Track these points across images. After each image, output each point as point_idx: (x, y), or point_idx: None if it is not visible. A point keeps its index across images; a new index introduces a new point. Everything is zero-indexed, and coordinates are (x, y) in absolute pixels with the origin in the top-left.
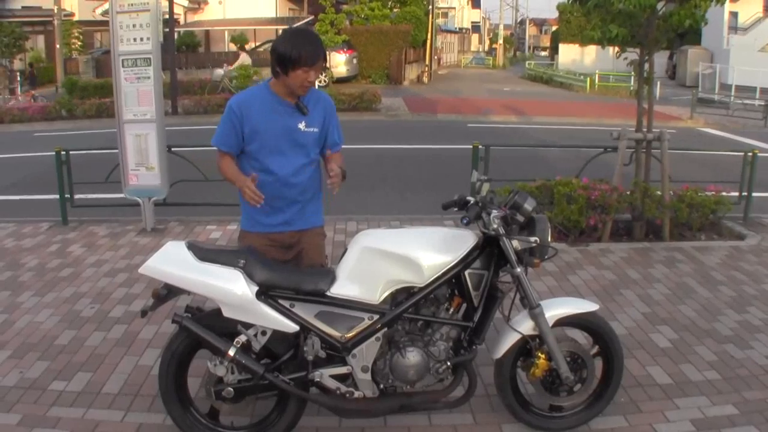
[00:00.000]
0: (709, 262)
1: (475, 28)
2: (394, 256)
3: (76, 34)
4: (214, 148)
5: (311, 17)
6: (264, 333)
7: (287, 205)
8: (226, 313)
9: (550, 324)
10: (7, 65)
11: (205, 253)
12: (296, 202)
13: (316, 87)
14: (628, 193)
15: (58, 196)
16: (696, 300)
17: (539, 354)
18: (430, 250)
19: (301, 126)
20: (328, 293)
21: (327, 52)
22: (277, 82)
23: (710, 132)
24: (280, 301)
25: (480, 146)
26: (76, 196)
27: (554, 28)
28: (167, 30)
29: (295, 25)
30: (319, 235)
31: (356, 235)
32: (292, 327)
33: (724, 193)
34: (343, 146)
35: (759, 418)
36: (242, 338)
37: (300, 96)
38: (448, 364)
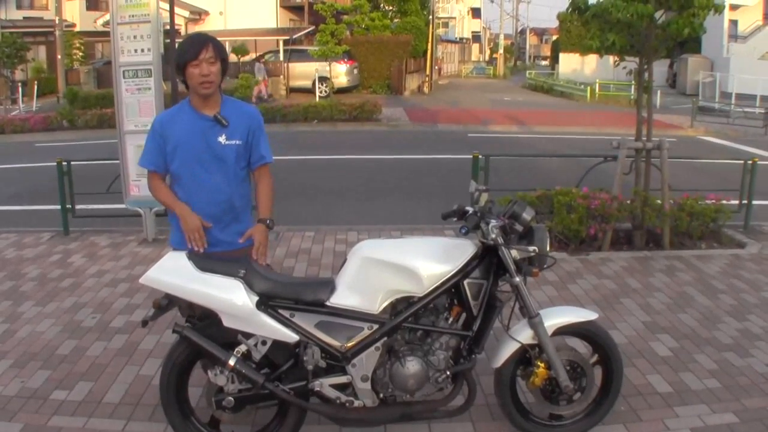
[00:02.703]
0: (709, 270)
1: (476, 37)
2: (394, 265)
3: (78, 45)
4: None
5: (312, 27)
6: (264, 343)
7: (223, 224)
8: (227, 323)
9: (550, 333)
10: (8, 76)
11: (205, 263)
12: (220, 221)
13: (323, 95)
14: (628, 202)
15: (59, 207)
16: (696, 308)
17: (539, 363)
18: (429, 260)
19: (221, 139)
20: (327, 303)
21: (221, 45)
22: (191, 94)
23: (711, 140)
24: (280, 311)
25: (480, 156)
26: (78, 207)
27: (555, 37)
28: (168, 41)
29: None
30: (249, 253)
31: (356, 245)
32: (292, 337)
33: (724, 202)
34: (346, 156)
35: (759, 426)
36: (242, 348)
37: (204, 94)
38: (448, 373)
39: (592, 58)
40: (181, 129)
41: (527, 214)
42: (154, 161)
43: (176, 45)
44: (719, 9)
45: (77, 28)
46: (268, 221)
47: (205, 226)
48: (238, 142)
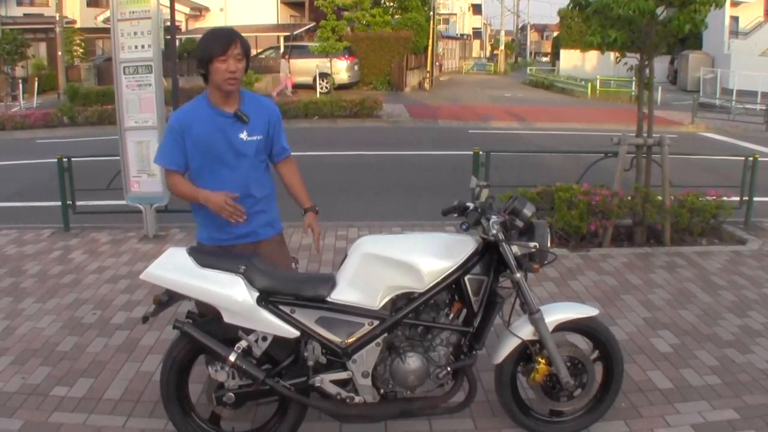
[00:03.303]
0: (710, 266)
1: (477, 34)
2: (394, 261)
3: (78, 42)
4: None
5: (312, 24)
6: (265, 339)
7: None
8: (227, 318)
9: (550, 329)
10: (9, 72)
11: (206, 259)
12: (247, 215)
13: (324, 90)
14: (629, 198)
15: (60, 203)
16: (697, 305)
17: (539, 359)
18: (430, 256)
19: (243, 135)
20: (328, 299)
21: (247, 42)
22: (211, 89)
23: (711, 136)
24: (281, 307)
25: (481, 152)
26: (78, 203)
27: (555, 33)
28: (168, 37)
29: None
30: (277, 244)
31: (356, 241)
32: (292, 333)
33: (725, 198)
34: (346, 153)
35: (760, 423)
36: (243, 344)
37: (228, 90)
38: (449, 369)
39: (592, 55)
40: (201, 127)
41: (528, 210)
42: (174, 160)
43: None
44: (720, 3)
45: (77, 25)
46: (315, 207)
47: (232, 197)
48: (259, 137)
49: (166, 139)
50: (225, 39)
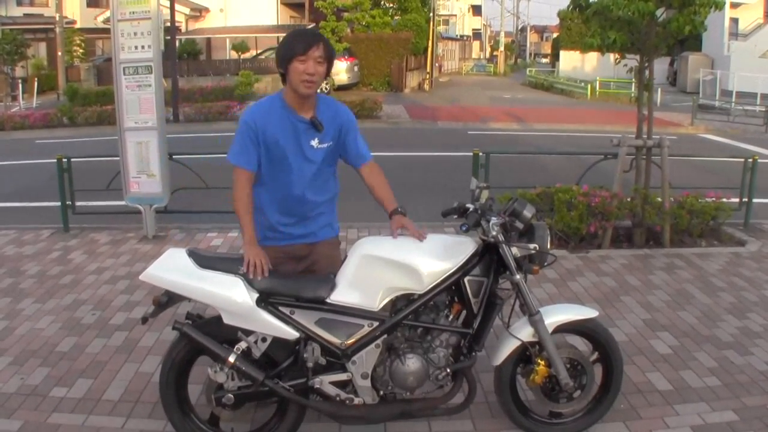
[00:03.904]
0: (709, 268)
1: (476, 35)
2: (394, 263)
3: (78, 42)
4: (227, 161)
5: (312, 25)
6: (264, 340)
7: (299, 220)
8: (227, 320)
9: (550, 330)
10: (8, 72)
11: (205, 260)
12: (308, 217)
13: (323, 91)
14: (629, 199)
15: (59, 204)
16: (696, 306)
17: (539, 360)
18: (429, 257)
19: (314, 143)
20: (328, 300)
21: (332, 48)
22: (288, 90)
23: (711, 138)
24: (281, 308)
25: (480, 153)
26: (78, 204)
27: (555, 35)
28: (168, 38)
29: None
30: (332, 246)
31: (356, 242)
32: (292, 334)
33: (724, 200)
34: None
35: (759, 425)
36: (242, 345)
37: (304, 94)
38: (448, 370)
39: (592, 56)
40: (276, 128)
41: (528, 212)
42: (249, 160)
43: (177, 41)
44: (720, 5)
45: (77, 25)
46: (399, 208)
47: (267, 262)
48: (329, 143)
49: (239, 137)
50: (308, 39)
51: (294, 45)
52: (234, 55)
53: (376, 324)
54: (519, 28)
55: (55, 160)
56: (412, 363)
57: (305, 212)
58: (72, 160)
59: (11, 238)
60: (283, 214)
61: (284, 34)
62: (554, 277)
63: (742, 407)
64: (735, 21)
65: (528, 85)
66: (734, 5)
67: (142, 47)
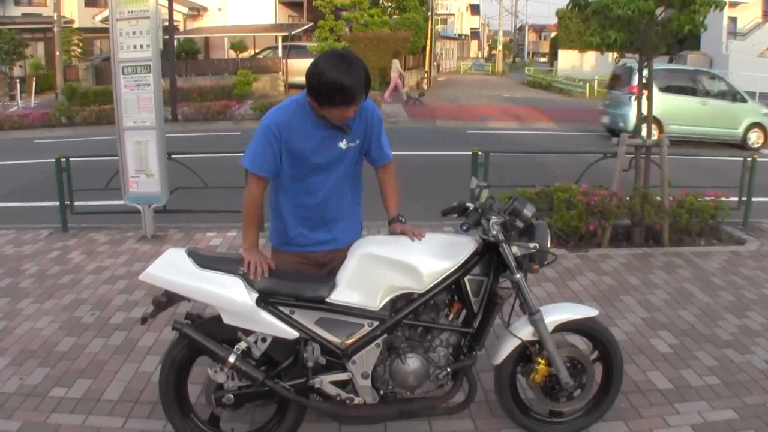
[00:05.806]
0: (708, 267)
1: (475, 34)
2: (394, 262)
3: (76, 41)
4: (242, 166)
5: (310, 24)
6: (264, 340)
7: (323, 225)
8: (227, 320)
9: (550, 330)
10: (6, 72)
11: (205, 260)
12: (332, 221)
13: None
14: (628, 198)
15: (58, 203)
16: (696, 305)
17: (539, 359)
18: (429, 257)
19: (342, 144)
20: (328, 300)
21: (368, 72)
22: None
23: None
24: (281, 308)
25: (479, 153)
26: (76, 203)
27: (553, 34)
28: (167, 37)
29: (335, 49)
30: None
31: (356, 241)
32: (292, 334)
33: (723, 199)
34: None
35: (759, 423)
36: (242, 345)
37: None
38: (448, 370)
39: (591, 55)
40: (300, 135)
41: (528, 211)
42: (267, 168)
43: (175, 40)
44: (721, 5)
45: (76, 25)
46: (400, 217)
47: (269, 265)
48: (357, 142)
49: (258, 142)
50: (354, 88)
51: (336, 96)
52: (232, 54)
53: (376, 323)
54: (517, 27)
55: (54, 160)
56: (413, 362)
57: (332, 216)
58: (70, 159)
59: (10, 238)
60: (305, 219)
61: (284, 34)
62: (554, 276)
63: (742, 405)
64: (733, 20)
65: (526, 84)
66: (732, 4)
67: (141, 46)
